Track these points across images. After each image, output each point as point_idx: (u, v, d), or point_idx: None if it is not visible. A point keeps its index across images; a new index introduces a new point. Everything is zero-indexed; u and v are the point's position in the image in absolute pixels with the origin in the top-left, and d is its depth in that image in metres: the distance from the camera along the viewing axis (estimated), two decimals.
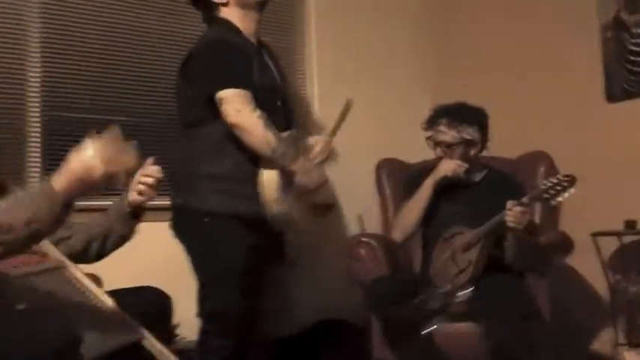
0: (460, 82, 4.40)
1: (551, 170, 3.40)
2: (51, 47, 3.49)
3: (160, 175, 2.49)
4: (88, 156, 1.81)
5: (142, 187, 2.47)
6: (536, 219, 3.47)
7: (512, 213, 2.95)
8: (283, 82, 2.94)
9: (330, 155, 2.89)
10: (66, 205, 1.84)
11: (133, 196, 2.50)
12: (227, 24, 2.79)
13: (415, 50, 4.65)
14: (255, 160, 2.69)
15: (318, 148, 2.84)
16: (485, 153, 3.39)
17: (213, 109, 2.64)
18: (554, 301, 3.20)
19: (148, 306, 2.41)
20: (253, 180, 2.69)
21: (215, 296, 2.77)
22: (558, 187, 2.85)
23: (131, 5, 3.71)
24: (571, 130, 3.78)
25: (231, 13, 2.80)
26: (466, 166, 3.27)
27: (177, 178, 2.82)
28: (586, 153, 3.62)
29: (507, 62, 4.20)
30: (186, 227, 2.79)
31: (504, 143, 3.49)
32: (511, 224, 2.96)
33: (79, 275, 2.37)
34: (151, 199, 2.52)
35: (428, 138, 3.35)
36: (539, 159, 3.58)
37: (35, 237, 1.87)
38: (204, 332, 2.83)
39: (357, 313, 3.00)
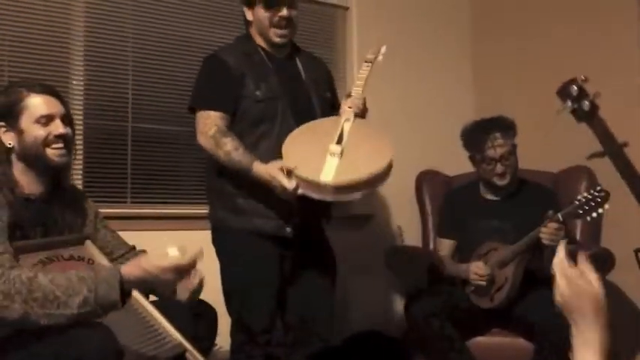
0: (502, 94, 4.37)
1: (593, 185, 3.33)
2: (93, 55, 3.54)
3: (201, 280, 2.42)
4: (172, 260, 1.94)
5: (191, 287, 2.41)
6: (577, 234, 3.46)
7: (547, 230, 2.92)
8: (318, 89, 3.01)
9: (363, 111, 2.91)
10: (124, 293, 1.95)
11: (183, 294, 2.41)
12: (245, 39, 2.98)
13: (457, 63, 4.64)
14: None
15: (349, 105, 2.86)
16: (526, 166, 3.36)
17: None
18: None
19: (194, 319, 2.42)
20: (254, 194, 2.80)
21: (235, 307, 2.87)
22: (592, 203, 2.80)
23: (168, 11, 3.76)
24: None
25: (254, 32, 2.97)
26: (484, 283, 3.15)
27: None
28: None
29: (550, 75, 4.14)
30: (214, 242, 2.96)
31: (545, 157, 3.46)
32: (546, 241, 2.93)
33: None
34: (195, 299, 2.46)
35: (479, 160, 3.29)
36: (580, 173, 3.55)
37: (85, 318, 1.95)
38: (233, 341, 2.90)
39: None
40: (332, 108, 3.06)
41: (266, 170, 2.65)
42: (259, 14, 2.89)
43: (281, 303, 2.89)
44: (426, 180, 3.98)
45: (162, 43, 3.72)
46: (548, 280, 3.03)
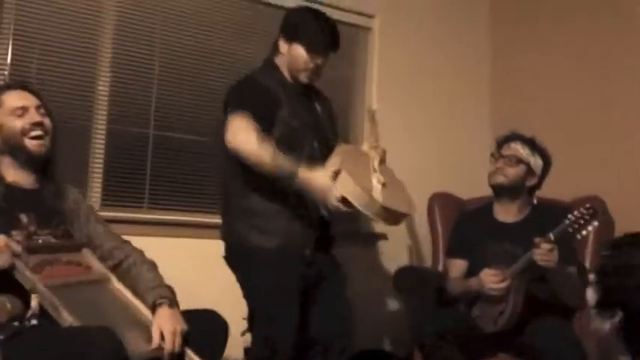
0: (519, 121, 4.37)
1: (604, 216, 3.34)
2: (120, 62, 3.61)
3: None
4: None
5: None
6: (587, 259, 3.47)
7: (540, 251, 2.93)
8: (329, 126, 3.07)
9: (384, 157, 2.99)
10: None
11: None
12: (272, 67, 2.97)
13: (474, 88, 4.67)
14: (282, 196, 2.78)
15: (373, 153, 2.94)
16: (541, 194, 3.40)
17: None
18: (602, 347, 3.16)
19: (205, 330, 2.45)
20: (279, 216, 2.82)
21: (260, 324, 2.86)
22: (582, 221, 2.88)
23: (196, 22, 3.83)
24: (628, 176, 3.74)
25: (281, 63, 2.97)
26: (497, 289, 3.12)
27: (221, 213, 3.00)
28: None
29: (568, 102, 4.17)
30: (231, 259, 2.94)
31: (559, 185, 3.47)
32: (541, 262, 2.95)
33: (123, 289, 2.44)
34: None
35: (492, 155, 3.39)
36: (592, 203, 3.54)
37: None
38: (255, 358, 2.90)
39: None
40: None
41: (319, 176, 2.66)
42: (297, 52, 2.90)
43: (303, 318, 2.88)
44: (438, 202, 3.97)
45: (188, 54, 3.78)
46: (553, 305, 3.09)
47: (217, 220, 3.07)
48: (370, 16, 4.37)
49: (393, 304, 4.06)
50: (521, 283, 3.08)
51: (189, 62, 3.79)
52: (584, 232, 2.90)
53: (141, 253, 2.60)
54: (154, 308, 2.37)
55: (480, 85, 4.70)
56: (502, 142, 3.39)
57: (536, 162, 3.30)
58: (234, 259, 2.93)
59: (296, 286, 2.82)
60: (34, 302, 2.18)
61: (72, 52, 3.48)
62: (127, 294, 2.43)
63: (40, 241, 2.34)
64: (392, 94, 4.32)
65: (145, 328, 2.32)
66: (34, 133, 2.42)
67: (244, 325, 3.35)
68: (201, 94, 3.78)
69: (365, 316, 3.94)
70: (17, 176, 2.44)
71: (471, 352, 3.08)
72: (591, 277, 1.82)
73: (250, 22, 3.93)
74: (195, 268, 3.37)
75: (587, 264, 3.45)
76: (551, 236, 2.93)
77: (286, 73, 2.96)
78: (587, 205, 2.92)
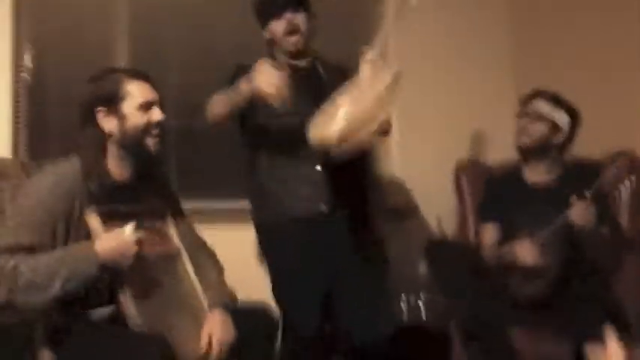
0: (545, 80, 4.28)
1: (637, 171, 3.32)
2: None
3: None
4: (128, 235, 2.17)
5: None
6: (624, 220, 3.38)
7: (576, 210, 2.92)
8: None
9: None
10: (100, 268, 2.12)
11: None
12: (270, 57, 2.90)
13: (498, 49, 4.57)
14: (275, 163, 2.81)
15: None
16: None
17: None
18: None
19: (255, 325, 2.45)
20: (279, 182, 2.80)
21: (281, 305, 2.86)
22: (617, 177, 2.92)
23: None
24: None
25: (276, 50, 2.98)
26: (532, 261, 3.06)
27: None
28: None
29: (593, 58, 4.05)
30: (258, 241, 2.99)
31: (588, 142, 3.39)
32: (577, 222, 2.93)
33: (189, 269, 2.46)
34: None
35: (517, 114, 3.36)
36: (626, 159, 3.44)
37: (67, 296, 2.11)
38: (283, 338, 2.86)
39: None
40: None
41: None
42: (272, 28, 2.92)
43: (328, 305, 2.84)
44: (465, 170, 3.90)
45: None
46: (590, 268, 3.03)
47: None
48: None
49: (425, 278, 3.98)
50: (556, 247, 3.02)
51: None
52: (620, 189, 2.95)
53: (214, 256, 2.64)
54: (210, 307, 2.41)
55: (503, 46, 4.58)
56: (525, 100, 3.36)
57: (562, 117, 3.25)
58: (258, 239, 2.96)
59: (312, 267, 2.78)
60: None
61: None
62: (192, 276, 2.46)
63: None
64: (411, 65, 4.19)
65: (199, 323, 2.35)
66: (155, 132, 2.37)
67: None
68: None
69: (399, 292, 3.91)
70: (119, 169, 2.37)
71: (507, 318, 3.04)
72: None
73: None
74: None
75: (625, 222, 3.38)
76: (588, 195, 2.91)
77: (283, 59, 2.93)
78: (619, 163, 2.91)
